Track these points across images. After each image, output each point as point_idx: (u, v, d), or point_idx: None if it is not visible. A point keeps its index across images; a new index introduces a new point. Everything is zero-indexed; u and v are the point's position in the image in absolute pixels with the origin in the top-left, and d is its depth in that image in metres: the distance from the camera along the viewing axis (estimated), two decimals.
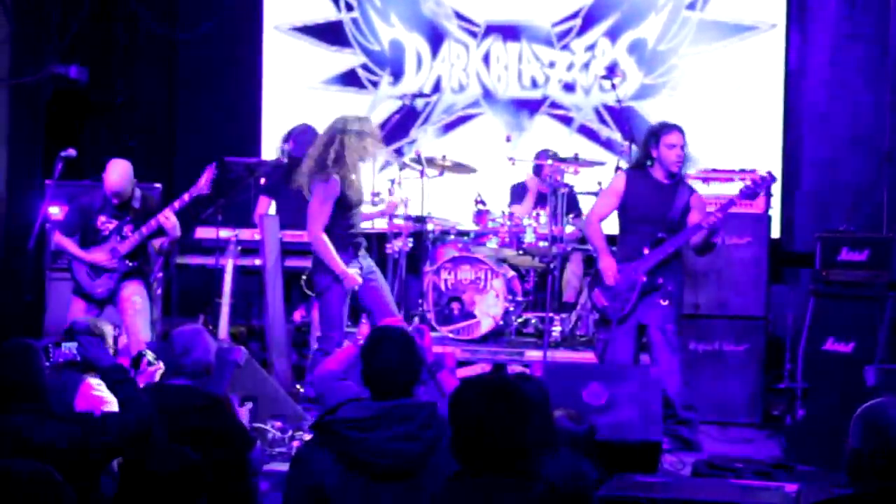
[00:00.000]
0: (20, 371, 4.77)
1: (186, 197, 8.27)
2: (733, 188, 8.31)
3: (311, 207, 7.75)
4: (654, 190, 7.90)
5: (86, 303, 8.31)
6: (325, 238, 7.70)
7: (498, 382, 3.96)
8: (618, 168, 9.51)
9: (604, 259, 7.99)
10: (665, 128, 7.92)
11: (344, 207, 7.80)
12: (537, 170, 10.06)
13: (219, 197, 9.39)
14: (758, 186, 7.79)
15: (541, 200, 9.88)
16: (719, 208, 7.74)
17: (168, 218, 8.22)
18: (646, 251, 7.81)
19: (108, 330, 6.12)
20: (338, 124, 7.82)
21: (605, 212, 8.14)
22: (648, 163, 7.95)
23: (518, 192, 10.41)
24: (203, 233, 8.99)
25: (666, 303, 7.82)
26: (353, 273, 7.80)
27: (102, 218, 8.31)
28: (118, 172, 8.31)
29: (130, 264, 8.29)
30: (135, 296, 8.32)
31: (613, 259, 7.96)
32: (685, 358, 8.16)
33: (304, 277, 8.59)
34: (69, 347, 5.71)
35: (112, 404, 6.09)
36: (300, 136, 8.97)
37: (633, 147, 9.45)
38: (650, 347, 7.91)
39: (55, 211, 8.75)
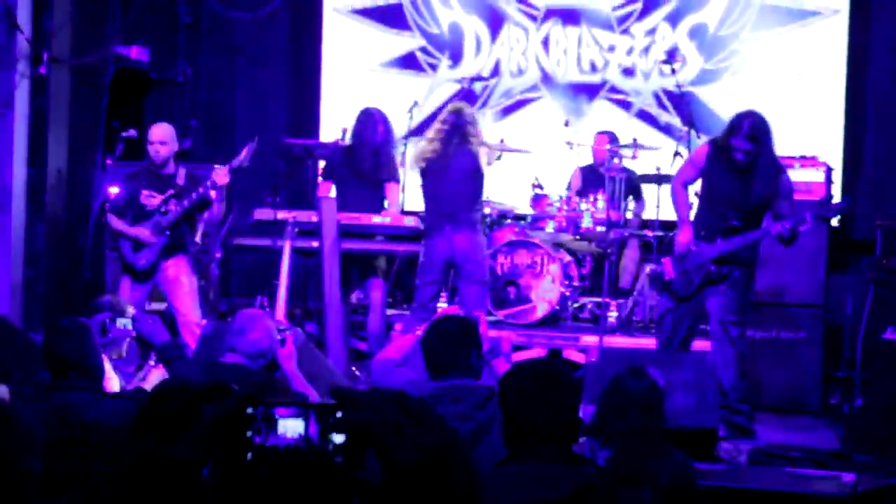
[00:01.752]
0: (74, 349, 4.84)
1: (227, 168, 8.31)
2: (795, 175, 8.23)
3: None
4: (733, 171, 7.61)
5: (131, 280, 8.38)
6: None
7: (545, 365, 3.96)
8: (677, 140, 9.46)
9: (683, 231, 7.78)
10: (734, 130, 7.56)
11: None
12: (596, 152, 10.16)
13: (277, 178, 9.43)
14: (831, 212, 7.66)
15: (600, 182, 9.87)
16: (789, 222, 7.54)
17: (219, 174, 8.26)
18: (718, 240, 7.65)
19: (130, 310, 6.18)
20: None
21: (687, 178, 7.90)
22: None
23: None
24: (261, 214, 9.03)
25: (729, 291, 7.68)
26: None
27: (146, 192, 8.38)
28: (158, 126, 8.45)
29: (171, 235, 8.34)
30: (182, 276, 8.37)
31: (692, 233, 7.73)
32: (743, 350, 8.04)
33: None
34: (124, 324, 5.77)
35: (113, 381, 6.17)
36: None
37: (692, 132, 9.41)
38: (710, 336, 7.80)
39: (115, 191, 8.83)
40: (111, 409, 4.70)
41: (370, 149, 8.78)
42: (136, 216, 8.40)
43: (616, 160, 9.70)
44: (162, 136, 8.42)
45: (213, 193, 8.35)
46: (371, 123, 8.90)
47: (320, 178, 9.51)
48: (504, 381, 3.88)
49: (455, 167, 8.35)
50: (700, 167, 7.78)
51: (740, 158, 7.53)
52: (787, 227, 7.44)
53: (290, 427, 1.90)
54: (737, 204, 7.62)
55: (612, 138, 10.19)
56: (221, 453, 1.86)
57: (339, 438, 1.90)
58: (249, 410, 1.89)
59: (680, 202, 7.90)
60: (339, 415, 1.90)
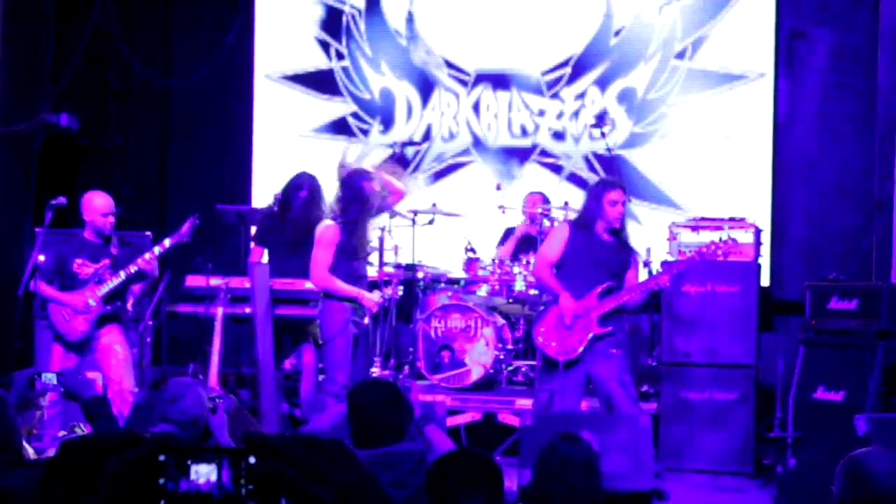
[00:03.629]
0: None
1: (167, 243, 8.26)
2: (723, 235, 8.32)
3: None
4: (597, 245, 7.78)
5: (64, 348, 8.27)
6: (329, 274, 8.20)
7: (469, 456, 3.98)
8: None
9: (565, 299, 7.72)
10: (607, 185, 7.84)
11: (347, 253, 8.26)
12: (527, 212, 10.19)
13: (209, 245, 9.38)
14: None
15: (531, 245, 9.90)
16: (667, 274, 7.73)
17: (148, 260, 8.21)
18: (596, 300, 7.68)
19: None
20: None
21: (554, 257, 7.89)
22: (589, 219, 7.85)
23: (505, 235, 10.50)
24: (193, 281, 8.96)
25: (617, 352, 7.69)
26: (370, 295, 8.31)
27: (79, 261, 8.27)
28: (101, 196, 8.34)
29: (107, 308, 8.26)
30: (115, 345, 8.28)
31: (573, 298, 7.72)
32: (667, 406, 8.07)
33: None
34: (49, 378, 5.71)
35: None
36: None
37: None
38: (609, 401, 7.70)
39: (44, 259, 8.75)
40: (21, 477, 4.63)
41: (294, 213, 8.82)
42: (66, 284, 8.30)
43: (547, 222, 9.74)
44: (111, 207, 8.34)
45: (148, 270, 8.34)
46: (295, 188, 8.95)
47: (252, 244, 9.47)
48: (431, 476, 3.86)
49: None
50: (565, 241, 7.84)
51: (619, 213, 7.68)
52: (666, 280, 7.58)
53: (203, 473, 1.90)
54: (609, 268, 7.77)
55: (544, 199, 10.24)
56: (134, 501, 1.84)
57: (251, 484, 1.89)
58: (161, 458, 1.88)
59: (550, 279, 7.90)
60: (251, 460, 1.89)
